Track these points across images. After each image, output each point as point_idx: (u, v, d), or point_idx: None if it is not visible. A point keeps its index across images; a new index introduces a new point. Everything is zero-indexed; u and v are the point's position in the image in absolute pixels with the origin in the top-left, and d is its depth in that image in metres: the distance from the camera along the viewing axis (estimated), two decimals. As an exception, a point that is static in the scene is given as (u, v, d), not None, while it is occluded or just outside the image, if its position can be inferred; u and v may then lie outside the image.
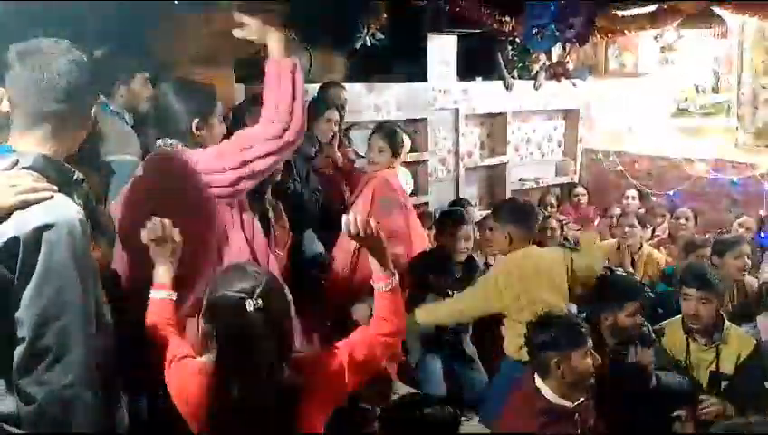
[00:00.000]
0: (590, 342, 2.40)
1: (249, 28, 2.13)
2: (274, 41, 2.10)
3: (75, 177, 1.57)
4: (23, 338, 1.41)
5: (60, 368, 1.43)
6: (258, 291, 1.61)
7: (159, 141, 2.18)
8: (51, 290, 1.42)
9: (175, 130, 2.15)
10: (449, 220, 3.51)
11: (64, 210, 1.47)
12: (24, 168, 1.48)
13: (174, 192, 2.08)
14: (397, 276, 1.80)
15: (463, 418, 2.67)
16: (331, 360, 1.73)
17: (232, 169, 2.05)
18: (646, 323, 3.01)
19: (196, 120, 2.15)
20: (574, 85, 6.01)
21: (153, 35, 3.72)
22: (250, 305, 1.58)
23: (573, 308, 3.58)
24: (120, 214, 2.14)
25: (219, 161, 2.06)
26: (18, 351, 1.41)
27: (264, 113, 2.07)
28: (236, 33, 2.15)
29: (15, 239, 1.40)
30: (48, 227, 1.42)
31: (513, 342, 2.90)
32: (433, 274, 3.32)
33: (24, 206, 1.42)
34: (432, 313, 3.12)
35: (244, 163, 2.05)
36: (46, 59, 1.50)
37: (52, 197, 1.46)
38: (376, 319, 1.80)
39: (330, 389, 1.72)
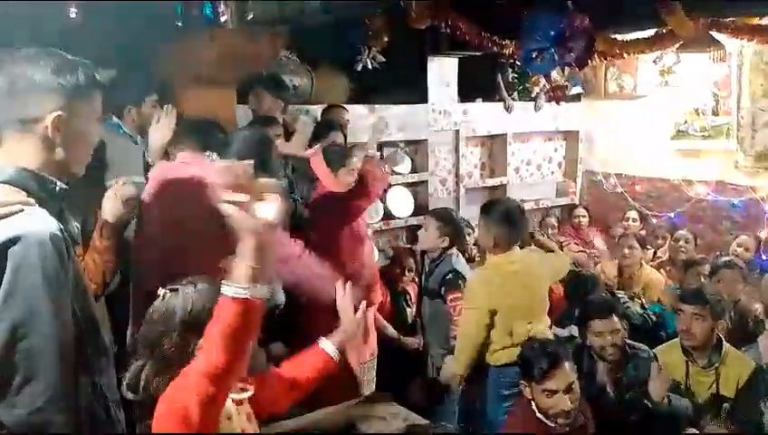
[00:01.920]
0: (555, 380, 2.37)
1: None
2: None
3: (58, 188, 1.48)
4: None
5: (28, 391, 1.34)
6: None
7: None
8: (17, 308, 1.33)
9: None
10: None
11: (35, 224, 1.37)
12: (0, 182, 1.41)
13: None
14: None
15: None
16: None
17: None
18: (638, 347, 3.02)
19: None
20: (574, 93, 6.00)
21: (156, 56, 3.77)
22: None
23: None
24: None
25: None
26: None
27: None
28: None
29: None
30: (14, 241, 1.33)
31: (491, 348, 2.98)
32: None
33: None
34: (459, 361, 3.11)
35: None
36: (22, 67, 1.42)
37: (21, 210, 1.37)
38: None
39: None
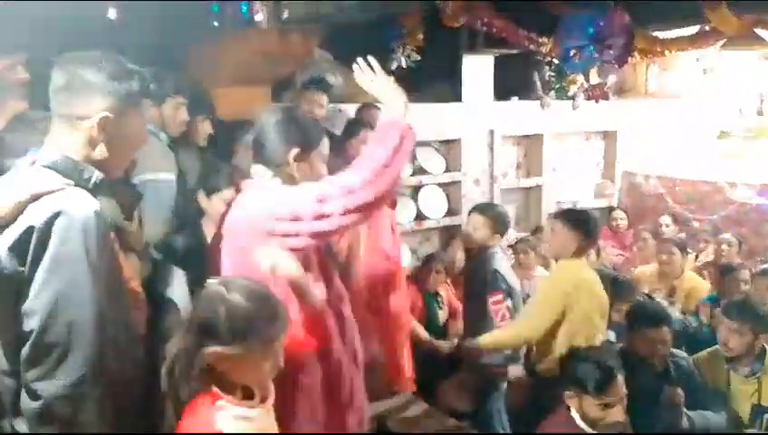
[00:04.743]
0: (611, 393, 2.31)
1: (372, 82, 2.06)
2: (399, 102, 2.00)
3: (94, 179, 1.55)
4: (30, 331, 1.39)
5: (68, 364, 1.40)
6: None
7: (253, 169, 2.04)
8: (60, 280, 1.40)
9: (268, 159, 2.00)
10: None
11: (78, 201, 1.46)
12: (43, 166, 1.50)
13: None
14: None
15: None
16: None
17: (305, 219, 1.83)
18: (678, 354, 2.93)
19: (296, 150, 1.99)
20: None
21: (192, 53, 3.81)
22: None
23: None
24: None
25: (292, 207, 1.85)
26: (25, 344, 1.39)
27: (356, 161, 1.91)
28: (358, 79, 2.07)
29: (29, 229, 1.40)
30: (59, 214, 1.41)
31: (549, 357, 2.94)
32: None
33: (37, 198, 1.43)
34: (496, 339, 3.10)
35: (320, 217, 1.82)
36: (82, 67, 1.52)
37: (64, 189, 1.46)
38: None
39: None
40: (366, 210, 1.85)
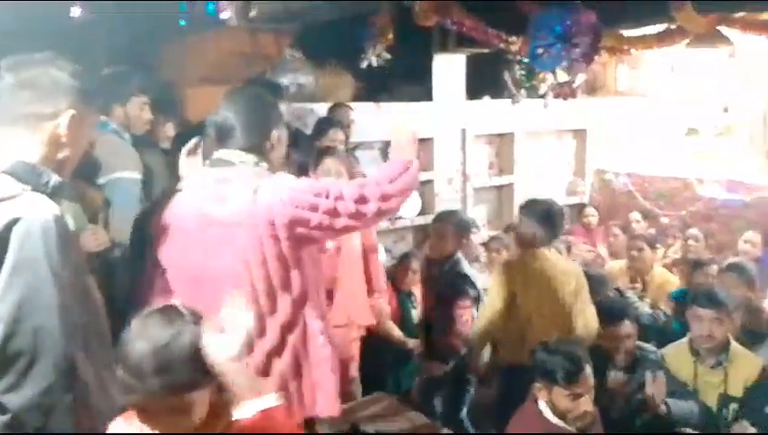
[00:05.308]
0: (580, 384, 2.34)
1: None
2: (408, 144, 2.16)
3: (52, 182, 1.51)
4: None
5: (35, 372, 1.36)
6: None
7: (225, 154, 1.95)
8: (22, 286, 1.37)
9: (245, 142, 1.94)
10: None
11: (37, 206, 1.43)
12: None
13: None
14: None
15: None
16: None
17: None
18: (646, 347, 2.97)
19: (276, 132, 1.99)
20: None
21: (163, 54, 3.78)
22: None
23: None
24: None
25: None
26: None
27: (371, 176, 2.06)
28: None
29: None
30: (17, 220, 1.38)
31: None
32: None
33: None
34: (480, 332, 3.22)
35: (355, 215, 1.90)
36: (29, 66, 1.51)
37: (21, 194, 1.43)
38: None
39: None
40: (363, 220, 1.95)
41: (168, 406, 1.32)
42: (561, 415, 2.35)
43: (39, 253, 1.39)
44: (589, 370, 2.36)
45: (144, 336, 1.32)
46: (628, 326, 2.90)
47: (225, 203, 1.87)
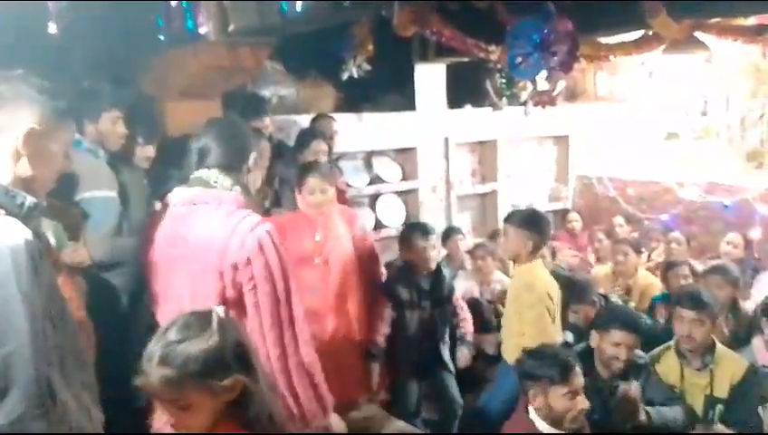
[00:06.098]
0: (574, 382, 2.34)
1: None
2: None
3: (27, 202, 1.49)
4: None
5: (7, 401, 1.35)
6: None
7: (204, 174, 1.97)
8: None
9: (223, 163, 1.97)
10: (413, 234, 3.41)
11: (6, 232, 1.40)
12: None
13: None
14: None
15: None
16: None
17: None
18: (636, 353, 2.97)
19: (254, 155, 2.05)
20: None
21: (142, 69, 3.76)
22: None
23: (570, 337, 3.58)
24: None
25: None
26: None
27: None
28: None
29: None
30: None
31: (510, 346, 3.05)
32: (403, 288, 3.31)
33: None
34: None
35: None
36: (10, 81, 1.49)
37: None
38: None
39: None
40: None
41: (167, 399, 1.42)
42: (557, 418, 2.34)
43: (8, 279, 1.37)
44: (578, 368, 2.38)
45: (168, 328, 1.45)
46: (634, 337, 2.87)
47: (192, 226, 1.91)
